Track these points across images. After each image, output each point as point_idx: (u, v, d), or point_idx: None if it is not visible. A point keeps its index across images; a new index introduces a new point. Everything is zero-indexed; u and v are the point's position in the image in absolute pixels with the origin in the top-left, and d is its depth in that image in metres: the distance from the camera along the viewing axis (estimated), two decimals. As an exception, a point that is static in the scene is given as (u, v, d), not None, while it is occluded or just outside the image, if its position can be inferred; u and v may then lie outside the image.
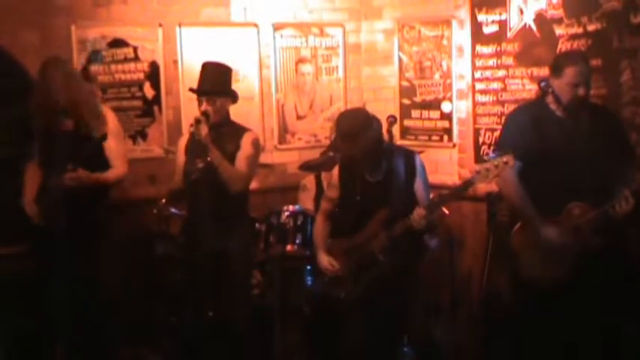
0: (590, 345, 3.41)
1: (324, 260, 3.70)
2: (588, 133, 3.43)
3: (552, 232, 3.43)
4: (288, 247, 4.48)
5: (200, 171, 3.79)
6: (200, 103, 3.92)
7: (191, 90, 4.00)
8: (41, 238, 3.78)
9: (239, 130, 4.00)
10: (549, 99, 3.55)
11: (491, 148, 4.70)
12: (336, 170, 3.77)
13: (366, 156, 3.54)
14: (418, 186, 3.59)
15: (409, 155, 3.64)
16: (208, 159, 3.79)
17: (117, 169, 3.96)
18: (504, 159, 3.27)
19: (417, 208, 3.41)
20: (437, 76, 5.20)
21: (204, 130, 3.74)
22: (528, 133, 3.51)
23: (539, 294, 3.48)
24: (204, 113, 3.83)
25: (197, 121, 3.77)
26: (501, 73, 4.74)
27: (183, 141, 4.14)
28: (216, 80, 3.97)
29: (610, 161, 3.38)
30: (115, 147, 3.93)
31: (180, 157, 4.08)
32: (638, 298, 3.56)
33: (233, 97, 4.04)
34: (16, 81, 4.17)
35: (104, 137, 3.77)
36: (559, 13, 4.36)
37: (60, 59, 4.02)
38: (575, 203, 3.42)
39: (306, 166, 4.78)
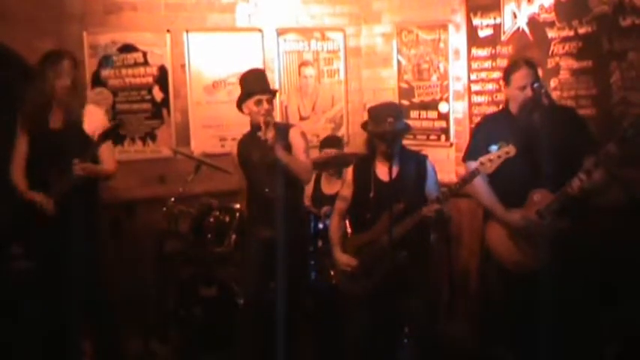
0: (566, 324, 3.54)
1: (343, 258, 3.84)
2: (545, 129, 3.57)
3: (516, 218, 3.63)
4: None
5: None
6: (258, 104, 3.90)
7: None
8: (43, 236, 3.80)
9: (282, 127, 4.07)
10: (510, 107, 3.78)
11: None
12: (350, 170, 3.94)
13: (387, 140, 3.67)
14: (429, 188, 3.78)
15: (420, 159, 3.86)
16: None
17: (108, 164, 3.98)
18: (506, 149, 3.49)
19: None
20: (434, 78, 5.29)
21: (270, 133, 3.77)
22: (489, 137, 3.74)
23: (519, 281, 3.65)
24: (270, 115, 3.88)
25: (267, 124, 3.77)
26: (496, 74, 4.81)
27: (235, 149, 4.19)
28: (267, 82, 4.06)
29: (569, 152, 3.53)
30: (106, 146, 3.91)
31: (235, 161, 4.16)
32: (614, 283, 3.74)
33: None
34: (13, 71, 4.27)
35: (104, 137, 3.77)
36: (551, 16, 4.44)
37: (64, 51, 4.01)
38: (535, 190, 3.61)
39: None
